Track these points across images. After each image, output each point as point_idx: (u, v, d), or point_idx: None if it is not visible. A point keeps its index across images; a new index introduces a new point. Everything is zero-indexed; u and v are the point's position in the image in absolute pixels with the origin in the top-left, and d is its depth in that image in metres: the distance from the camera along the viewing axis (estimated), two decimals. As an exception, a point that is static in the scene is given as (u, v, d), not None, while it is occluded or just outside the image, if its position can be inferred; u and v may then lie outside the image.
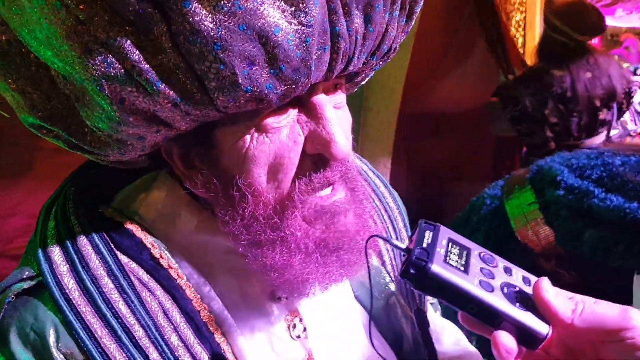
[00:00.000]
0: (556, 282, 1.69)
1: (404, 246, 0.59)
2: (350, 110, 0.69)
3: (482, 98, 2.92)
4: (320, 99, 0.62)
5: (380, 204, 0.90)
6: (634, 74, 3.13)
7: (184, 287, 0.66)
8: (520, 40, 3.14)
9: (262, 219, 0.62)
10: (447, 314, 1.65)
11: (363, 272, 0.81)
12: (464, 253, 0.58)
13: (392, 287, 0.84)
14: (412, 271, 0.54)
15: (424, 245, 0.56)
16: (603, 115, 2.33)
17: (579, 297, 0.56)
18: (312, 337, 0.75)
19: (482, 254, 0.59)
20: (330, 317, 0.79)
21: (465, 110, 2.95)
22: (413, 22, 0.68)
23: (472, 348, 1.00)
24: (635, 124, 2.90)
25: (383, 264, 0.86)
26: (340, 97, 0.67)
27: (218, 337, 0.67)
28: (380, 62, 0.69)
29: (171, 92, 0.53)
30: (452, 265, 0.55)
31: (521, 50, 3.14)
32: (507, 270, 0.58)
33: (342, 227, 0.65)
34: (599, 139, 2.40)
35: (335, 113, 0.64)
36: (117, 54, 0.51)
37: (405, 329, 0.83)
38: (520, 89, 2.37)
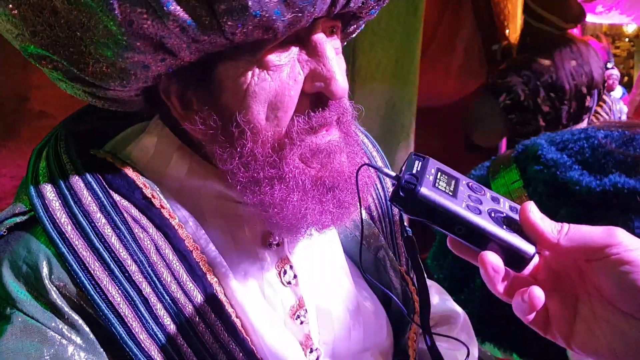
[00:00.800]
0: None
1: (394, 174, 0.60)
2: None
3: (465, 91, 2.95)
4: (320, 37, 0.63)
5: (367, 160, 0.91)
6: (606, 68, 3.19)
7: (176, 227, 0.66)
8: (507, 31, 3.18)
9: (260, 156, 0.63)
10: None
11: (352, 223, 0.83)
12: (453, 181, 0.59)
13: (382, 240, 0.85)
14: (401, 194, 0.55)
15: (414, 171, 0.57)
16: (588, 102, 2.38)
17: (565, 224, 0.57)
18: (303, 283, 0.76)
19: (470, 184, 0.60)
20: (320, 266, 0.79)
21: (447, 103, 2.96)
22: None
23: (457, 307, 1.01)
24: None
25: (372, 218, 0.87)
26: (337, 42, 0.68)
27: (210, 278, 0.66)
28: (377, 6, 0.70)
29: (181, 14, 0.53)
30: (441, 190, 0.56)
31: (505, 43, 3.17)
32: (495, 200, 0.59)
33: (338, 166, 0.66)
34: (583, 125, 2.45)
35: (335, 55, 0.64)
36: None
37: (394, 282, 0.84)
38: (513, 78, 2.41)
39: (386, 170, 0.62)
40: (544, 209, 1.65)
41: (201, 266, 0.66)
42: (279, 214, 0.64)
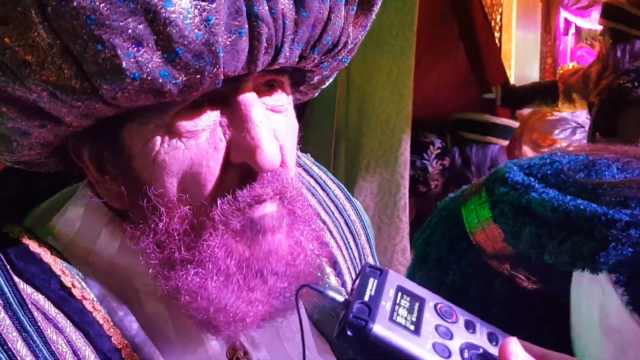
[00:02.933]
0: (515, 289, 1.69)
1: (341, 299, 0.48)
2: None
3: (459, 101, 2.93)
4: (246, 97, 0.53)
5: (341, 217, 0.81)
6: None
7: (100, 322, 0.56)
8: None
9: (177, 234, 0.54)
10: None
11: (316, 298, 0.70)
12: (416, 306, 0.48)
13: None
14: (349, 333, 0.44)
15: (366, 297, 0.46)
16: None
17: (554, 355, 0.48)
18: None
19: (438, 306, 0.49)
20: (282, 349, 0.68)
21: (440, 115, 2.94)
22: (372, 15, 0.59)
23: None
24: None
25: (343, 284, 0.77)
26: (281, 98, 0.58)
27: None
28: (328, 59, 0.59)
29: (44, 78, 0.45)
30: (400, 324, 0.45)
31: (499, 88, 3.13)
32: (469, 326, 0.48)
33: (270, 247, 0.56)
34: None
35: (269, 116, 0.55)
36: None
37: None
38: None
39: (331, 293, 0.50)
40: (510, 231, 1.68)
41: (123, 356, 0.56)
42: (191, 303, 0.54)
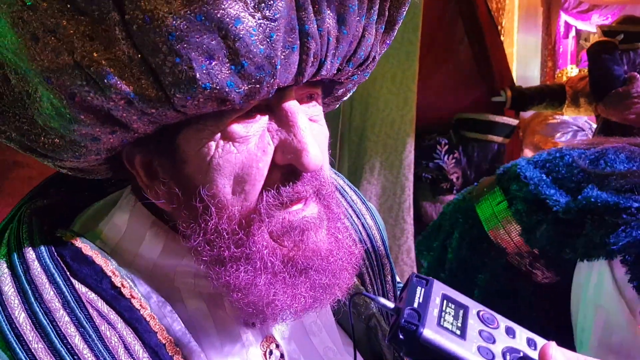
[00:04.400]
0: (534, 284, 1.70)
1: (392, 305, 0.52)
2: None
3: (463, 103, 2.95)
4: (291, 105, 0.58)
5: (358, 220, 0.85)
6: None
7: (147, 319, 0.60)
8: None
9: (226, 233, 0.58)
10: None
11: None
12: (461, 312, 0.51)
13: (373, 308, 0.81)
14: (401, 336, 0.48)
15: (415, 304, 0.50)
16: None
17: None
18: None
19: (481, 313, 0.52)
20: (309, 343, 0.74)
21: (443, 117, 2.96)
22: (394, 33, 0.64)
23: None
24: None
25: (363, 283, 0.82)
26: (316, 109, 0.63)
27: None
28: (358, 72, 0.65)
29: (124, 88, 0.49)
30: (447, 329, 0.48)
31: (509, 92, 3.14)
32: (510, 332, 0.52)
33: (313, 245, 0.60)
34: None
35: (310, 125, 0.60)
36: (67, 44, 0.47)
37: (386, 352, 0.79)
38: None
39: (382, 300, 0.55)
40: (526, 227, 1.71)
41: (168, 350, 0.61)
42: (243, 299, 0.59)
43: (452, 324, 0.50)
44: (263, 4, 0.49)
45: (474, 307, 0.53)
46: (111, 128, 0.54)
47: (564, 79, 3.85)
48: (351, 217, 0.84)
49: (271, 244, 0.59)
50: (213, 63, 0.49)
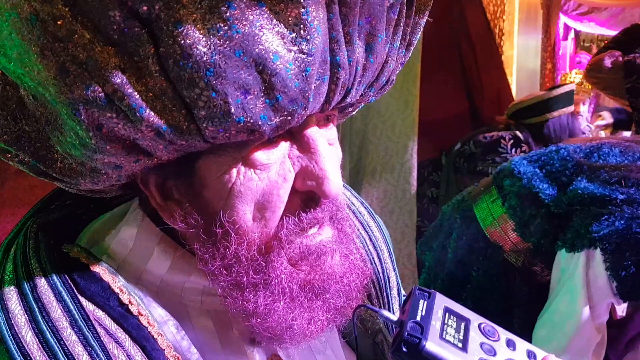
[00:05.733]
0: (529, 284, 1.73)
1: (395, 318, 0.54)
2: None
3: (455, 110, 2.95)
4: (313, 132, 0.58)
5: (365, 234, 0.85)
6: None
7: (155, 336, 0.60)
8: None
9: (245, 259, 0.58)
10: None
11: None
12: (462, 325, 0.53)
13: (379, 323, 0.81)
14: (404, 349, 0.50)
15: (418, 317, 0.51)
16: None
17: None
18: None
19: (482, 326, 0.54)
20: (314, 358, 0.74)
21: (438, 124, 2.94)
22: (409, 54, 0.65)
23: None
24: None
25: (369, 297, 0.82)
26: (333, 132, 0.63)
27: None
28: (377, 95, 0.65)
29: (156, 120, 0.49)
30: (449, 342, 0.50)
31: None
32: (510, 344, 0.53)
33: (329, 269, 0.61)
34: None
35: (329, 150, 0.60)
36: (98, 76, 0.46)
37: None
38: None
39: (385, 313, 0.56)
40: (519, 222, 1.75)
41: None
42: (262, 324, 0.59)
43: (454, 336, 0.51)
44: (301, 39, 0.49)
45: (476, 319, 0.55)
46: (136, 157, 0.53)
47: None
48: (358, 230, 0.85)
49: (289, 269, 0.59)
50: (248, 97, 0.49)
